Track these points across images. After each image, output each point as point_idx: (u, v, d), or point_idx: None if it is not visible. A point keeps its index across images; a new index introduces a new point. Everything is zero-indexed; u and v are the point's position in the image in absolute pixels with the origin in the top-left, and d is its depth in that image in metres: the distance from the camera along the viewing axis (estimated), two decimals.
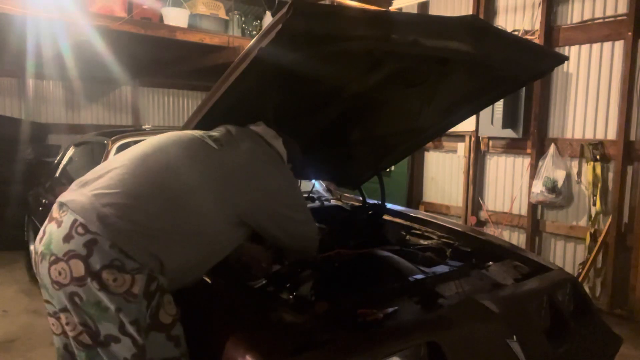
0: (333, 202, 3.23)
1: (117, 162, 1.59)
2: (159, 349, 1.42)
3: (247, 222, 1.65)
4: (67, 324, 1.43)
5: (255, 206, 1.64)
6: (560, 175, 4.23)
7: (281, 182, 1.74)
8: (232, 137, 1.71)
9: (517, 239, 4.72)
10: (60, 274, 1.37)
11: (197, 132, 1.73)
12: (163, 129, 2.38)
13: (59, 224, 1.43)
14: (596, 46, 4.07)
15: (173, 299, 1.49)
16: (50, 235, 1.43)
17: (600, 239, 4.00)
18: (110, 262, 1.35)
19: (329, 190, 3.50)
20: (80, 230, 1.39)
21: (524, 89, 4.34)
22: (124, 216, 1.42)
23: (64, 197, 1.52)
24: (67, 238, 1.39)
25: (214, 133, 1.73)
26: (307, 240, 1.86)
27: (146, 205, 1.47)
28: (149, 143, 1.67)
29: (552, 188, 4.23)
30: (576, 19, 4.19)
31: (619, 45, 3.91)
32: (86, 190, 1.49)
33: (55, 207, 1.52)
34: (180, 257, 1.50)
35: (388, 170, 5.39)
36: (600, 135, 4.09)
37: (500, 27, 4.13)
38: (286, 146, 1.85)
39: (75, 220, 1.40)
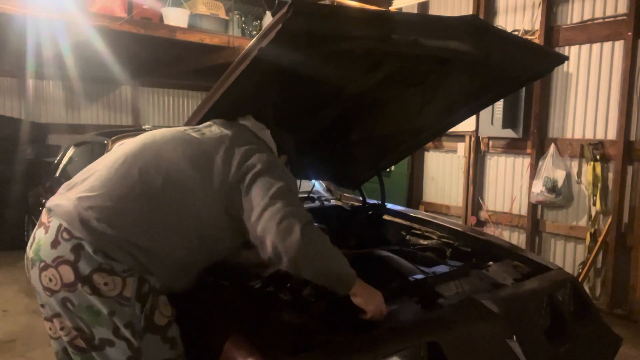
0: (333, 202, 3.23)
1: (101, 164, 1.56)
2: (155, 352, 1.41)
3: (235, 214, 1.51)
4: (62, 328, 1.42)
5: (232, 186, 1.48)
6: (560, 175, 4.23)
7: (260, 159, 1.53)
8: (216, 127, 1.66)
9: (517, 239, 4.72)
10: (50, 280, 1.37)
11: (181, 127, 1.68)
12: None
13: (47, 229, 1.43)
14: (596, 46, 4.07)
15: (169, 300, 1.48)
16: (39, 241, 1.43)
17: (600, 239, 4.00)
18: (98, 266, 1.34)
19: (329, 190, 3.49)
20: (65, 235, 1.37)
21: (524, 89, 4.34)
22: (106, 219, 1.39)
23: (51, 202, 1.50)
24: (55, 244, 1.38)
25: (200, 126, 1.69)
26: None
27: (129, 206, 1.43)
28: (131, 143, 1.62)
29: (552, 188, 4.23)
30: (576, 19, 4.19)
31: (619, 45, 3.91)
32: (71, 194, 1.47)
33: (44, 211, 1.50)
34: (169, 257, 1.46)
35: (388, 170, 5.39)
36: (600, 135, 4.09)
37: (500, 27, 4.13)
38: (276, 138, 1.77)
39: (60, 226, 1.39)
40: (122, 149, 1.60)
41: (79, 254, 1.35)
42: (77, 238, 1.36)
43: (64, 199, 1.47)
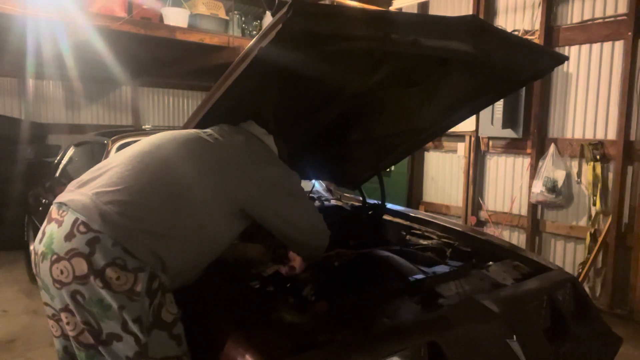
0: (333, 202, 3.23)
1: (116, 161, 1.59)
2: (161, 347, 1.42)
3: (252, 215, 1.65)
4: (68, 323, 1.42)
5: (255, 196, 1.63)
6: (560, 175, 4.23)
7: (278, 171, 1.73)
8: (226, 132, 1.74)
9: (517, 239, 4.72)
10: (62, 272, 1.37)
11: (193, 130, 1.76)
12: (163, 129, 2.39)
13: (60, 223, 1.43)
14: (596, 46, 4.07)
15: (174, 298, 1.49)
16: (51, 234, 1.43)
17: (600, 239, 4.00)
18: (112, 260, 1.35)
19: (329, 190, 3.49)
20: (82, 228, 1.38)
21: (524, 89, 4.35)
22: (126, 213, 1.42)
23: (62, 198, 1.52)
24: (69, 237, 1.39)
25: (208, 130, 1.75)
26: (316, 232, 1.81)
27: (148, 202, 1.48)
28: (146, 142, 1.68)
29: (552, 188, 4.23)
30: (576, 19, 4.19)
31: (619, 45, 3.91)
32: (86, 190, 1.49)
33: (53, 208, 1.52)
34: (182, 254, 1.50)
35: (388, 170, 5.39)
36: (600, 135, 4.09)
37: (500, 27, 4.14)
38: (276, 144, 1.87)
39: (76, 219, 1.40)
40: (136, 147, 1.65)
41: (94, 247, 1.36)
42: (95, 231, 1.37)
43: (78, 195, 1.49)
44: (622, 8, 3.87)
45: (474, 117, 4.65)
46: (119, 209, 1.42)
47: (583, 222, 4.23)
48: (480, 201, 5.01)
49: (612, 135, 3.99)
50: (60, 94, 7.28)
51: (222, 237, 1.65)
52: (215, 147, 1.66)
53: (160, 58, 6.36)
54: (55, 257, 1.39)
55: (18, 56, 5.73)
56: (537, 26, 4.40)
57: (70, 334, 1.44)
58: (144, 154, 1.60)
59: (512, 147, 4.71)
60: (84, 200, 1.45)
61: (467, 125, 3.59)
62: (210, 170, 1.60)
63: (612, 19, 3.95)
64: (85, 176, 1.59)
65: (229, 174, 1.60)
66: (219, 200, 1.58)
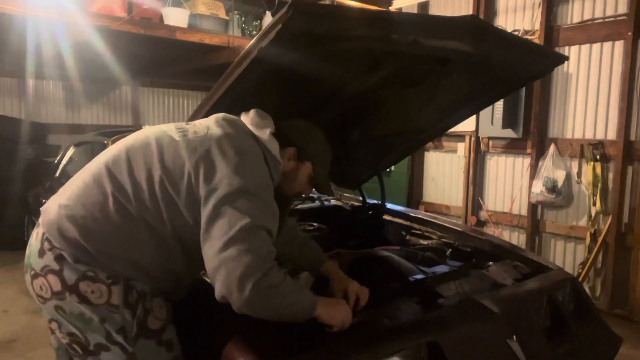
0: (333, 202, 3.23)
1: (86, 169, 1.50)
2: (150, 356, 1.41)
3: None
4: (61, 332, 1.42)
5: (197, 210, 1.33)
6: (560, 175, 4.23)
7: (239, 183, 1.31)
8: (205, 126, 1.47)
9: (517, 239, 4.72)
10: (41, 288, 1.37)
11: (170, 126, 1.52)
12: None
13: (37, 235, 1.43)
14: (596, 46, 4.07)
15: (165, 300, 1.47)
16: (31, 246, 1.43)
17: (600, 239, 4.00)
18: (82, 274, 1.33)
19: None
20: (46, 245, 1.37)
21: (524, 89, 4.35)
22: (81, 230, 1.35)
23: (45, 204, 1.48)
24: (41, 253, 1.38)
25: (188, 125, 1.51)
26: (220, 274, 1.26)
27: (104, 218, 1.35)
28: (121, 143, 1.51)
29: (552, 188, 4.23)
30: (576, 19, 4.19)
31: (619, 45, 3.91)
32: (60, 199, 1.44)
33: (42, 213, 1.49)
34: (152, 267, 1.41)
35: (388, 170, 5.39)
36: (600, 135, 4.09)
37: (500, 27, 4.13)
38: (284, 135, 1.60)
39: (43, 234, 1.39)
40: (111, 150, 1.50)
41: (62, 264, 1.34)
42: (58, 248, 1.35)
43: (53, 203, 1.44)
44: (622, 8, 3.87)
45: (474, 117, 4.65)
46: (74, 225, 1.35)
47: (583, 222, 4.23)
48: (480, 201, 5.01)
49: (612, 135, 3.99)
50: (60, 94, 7.29)
51: (193, 251, 1.37)
52: (177, 147, 1.39)
53: (160, 58, 6.36)
54: (33, 272, 1.39)
55: (18, 56, 5.74)
56: (537, 26, 4.40)
57: (63, 341, 1.44)
58: (114, 160, 1.42)
59: (512, 147, 4.71)
60: (51, 212, 1.41)
61: (467, 125, 3.58)
62: (164, 175, 1.36)
63: (612, 19, 3.95)
64: (68, 182, 1.52)
65: (180, 179, 1.35)
66: (176, 210, 1.36)
